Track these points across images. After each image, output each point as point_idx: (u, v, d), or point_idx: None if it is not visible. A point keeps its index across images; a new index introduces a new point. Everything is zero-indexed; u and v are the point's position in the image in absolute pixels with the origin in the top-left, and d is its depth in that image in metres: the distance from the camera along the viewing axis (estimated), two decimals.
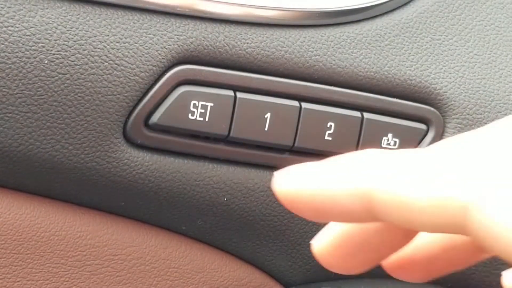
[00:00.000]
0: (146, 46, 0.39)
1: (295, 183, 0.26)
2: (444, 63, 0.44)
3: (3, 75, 0.37)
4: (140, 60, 0.38)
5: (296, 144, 0.41)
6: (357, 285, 0.43)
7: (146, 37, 0.39)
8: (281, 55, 0.41)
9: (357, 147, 0.42)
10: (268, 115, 0.40)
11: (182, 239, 0.42)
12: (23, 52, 0.37)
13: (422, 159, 0.26)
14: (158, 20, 0.39)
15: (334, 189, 0.26)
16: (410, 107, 0.43)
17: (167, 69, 0.39)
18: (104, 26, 0.38)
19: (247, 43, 0.40)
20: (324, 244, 0.29)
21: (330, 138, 0.41)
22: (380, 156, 0.26)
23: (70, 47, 0.37)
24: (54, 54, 0.37)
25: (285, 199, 0.26)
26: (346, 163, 0.26)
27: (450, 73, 0.44)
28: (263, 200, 0.42)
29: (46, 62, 0.37)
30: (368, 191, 0.25)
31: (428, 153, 0.26)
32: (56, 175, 0.38)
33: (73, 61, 0.37)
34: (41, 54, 0.37)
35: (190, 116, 0.39)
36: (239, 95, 0.40)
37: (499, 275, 0.26)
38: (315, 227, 0.35)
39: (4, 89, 0.37)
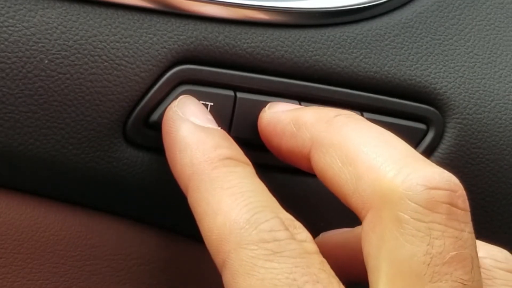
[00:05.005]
0: (146, 46, 0.39)
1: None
2: (444, 63, 0.44)
3: (3, 75, 0.37)
4: (140, 60, 0.38)
5: None
6: None
7: (146, 37, 0.39)
8: (281, 55, 0.41)
9: None
10: None
11: (182, 239, 0.42)
12: (23, 52, 0.37)
13: None
14: (158, 20, 0.39)
15: None
16: (410, 107, 0.43)
17: (167, 69, 0.39)
18: (104, 26, 0.38)
19: (247, 43, 0.40)
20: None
21: None
22: None
23: (70, 47, 0.37)
24: (54, 54, 0.37)
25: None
26: None
27: (450, 73, 0.44)
28: None
29: (46, 62, 0.37)
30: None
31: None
32: (56, 175, 0.38)
33: (73, 61, 0.37)
34: (41, 54, 0.37)
35: None
36: (239, 95, 0.40)
37: None
38: (314, 231, 0.36)
39: (4, 89, 0.37)
